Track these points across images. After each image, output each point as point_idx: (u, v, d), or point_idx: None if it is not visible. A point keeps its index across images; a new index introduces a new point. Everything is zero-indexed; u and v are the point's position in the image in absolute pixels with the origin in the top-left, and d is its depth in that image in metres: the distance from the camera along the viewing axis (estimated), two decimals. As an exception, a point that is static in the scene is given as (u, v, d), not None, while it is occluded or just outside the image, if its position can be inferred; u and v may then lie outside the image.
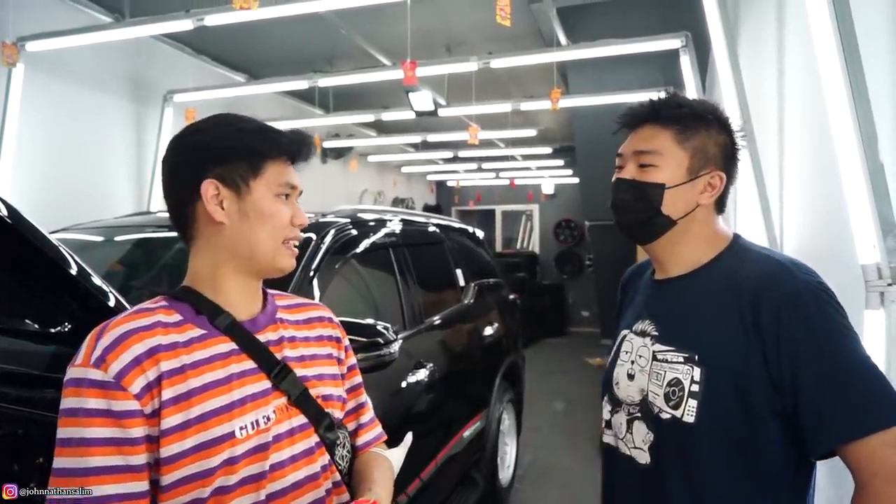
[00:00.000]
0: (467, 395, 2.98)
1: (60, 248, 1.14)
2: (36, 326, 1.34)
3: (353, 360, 1.11)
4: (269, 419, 0.90)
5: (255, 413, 0.89)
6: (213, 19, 3.36)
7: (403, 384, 2.27)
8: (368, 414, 1.12)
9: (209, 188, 0.91)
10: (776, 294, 0.95)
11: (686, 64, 3.70)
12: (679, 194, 1.05)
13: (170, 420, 0.83)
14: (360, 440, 1.09)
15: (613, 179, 1.10)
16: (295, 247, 0.97)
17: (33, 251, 1.10)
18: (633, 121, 1.10)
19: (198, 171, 0.91)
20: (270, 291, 1.04)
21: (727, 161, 1.07)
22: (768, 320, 0.94)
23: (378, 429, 1.13)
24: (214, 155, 0.91)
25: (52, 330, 1.30)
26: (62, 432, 0.81)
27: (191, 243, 0.95)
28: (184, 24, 3.45)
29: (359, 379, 1.11)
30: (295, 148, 0.96)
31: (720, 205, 1.09)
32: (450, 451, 2.63)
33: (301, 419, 0.94)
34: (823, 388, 0.91)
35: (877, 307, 1.36)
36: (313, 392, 0.96)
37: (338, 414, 1.01)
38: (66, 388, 0.82)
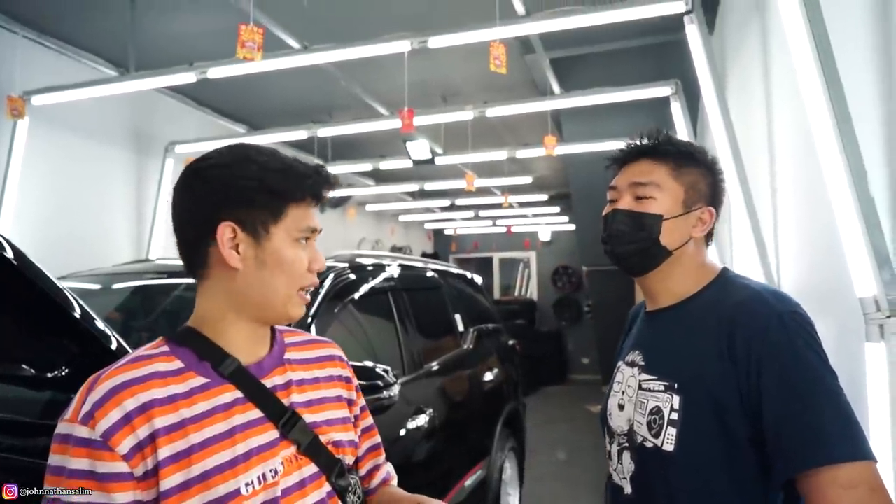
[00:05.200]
0: (468, 443, 2.92)
1: (64, 291, 1.14)
2: (32, 371, 1.32)
3: (363, 400, 1.07)
4: (276, 472, 0.85)
5: (262, 466, 0.84)
6: (216, 72, 3.46)
7: (403, 430, 2.23)
8: (382, 456, 1.09)
9: (226, 231, 0.85)
10: (749, 322, 0.97)
11: (677, 110, 3.80)
12: (675, 226, 1.08)
13: (169, 480, 0.78)
14: (376, 481, 1.06)
15: (608, 211, 1.13)
16: (308, 294, 0.92)
17: (37, 294, 1.10)
18: (630, 155, 1.13)
19: (215, 212, 0.85)
20: (278, 328, 1.00)
21: (715, 199, 1.12)
22: (741, 348, 0.96)
23: (390, 467, 1.10)
24: (234, 196, 0.85)
25: (49, 375, 1.28)
26: (46, 490, 0.77)
27: (200, 283, 0.91)
28: (187, 77, 3.54)
29: (371, 420, 1.08)
30: (319, 188, 0.91)
31: (708, 238, 1.13)
32: (452, 501, 2.56)
33: (312, 468, 0.90)
34: (784, 417, 0.91)
35: (877, 340, 1.36)
36: (323, 438, 0.92)
37: (348, 459, 0.97)
38: (54, 443, 0.79)
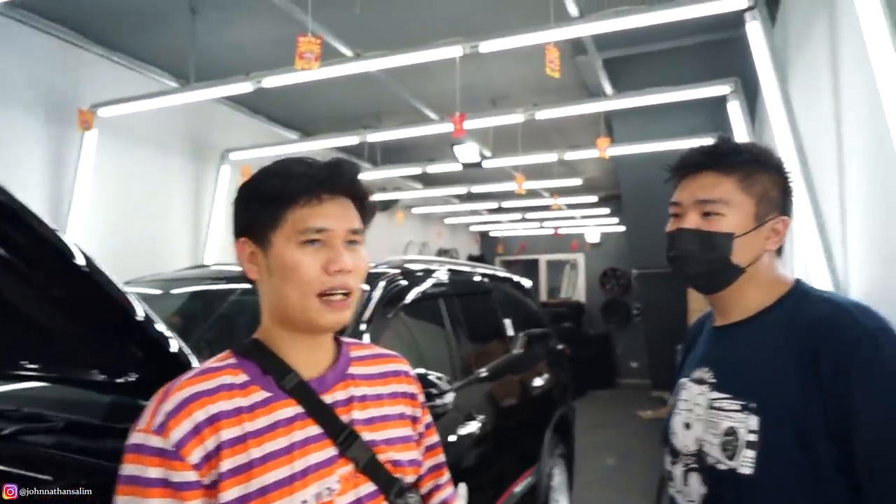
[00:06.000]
0: (518, 449, 2.89)
1: (130, 297, 1.18)
2: (103, 377, 1.37)
3: (429, 417, 1.05)
4: (332, 490, 0.85)
5: (318, 485, 0.84)
6: (271, 81, 3.55)
7: (454, 437, 2.22)
8: (445, 475, 1.07)
9: (244, 248, 0.90)
10: (835, 341, 0.92)
11: (735, 109, 3.67)
12: (747, 242, 1.02)
13: (229, 493, 0.79)
14: (435, 500, 1.05)
15: (673, 229, 1.07)
16: (342, 296, 0.87)
17: (107, 300, 1.14)
18: (690, 169, 1.07)
19: (235, 230, 0.91)
20: (345, 340, 0.99)
21: (786, 205, 1.06)
22: (827, 368, 0.91)
23: (451, 488, 1.08)
24: (244, 210, 0.90)
25: (119, 380, 1.32)
26: (120, 500, 0.79)
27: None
28: (244, 87, 3.65)
29: (436, 438, 1.06)
30: (318, 184, 0.86)
31: (779, 248, 1.07)
32: (502, 509, 2.54)
33: (370, 487, 0.89)
34: (875, 447, 0.86)
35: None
36: (381, 457, 0.91)
37: (409, 478, 0.95)
38: (128, 452, 0.80)
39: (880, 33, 1.46)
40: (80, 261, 1.10)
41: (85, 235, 4.06)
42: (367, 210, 0.94)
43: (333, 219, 0.87)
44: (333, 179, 0.88)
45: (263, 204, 0.87)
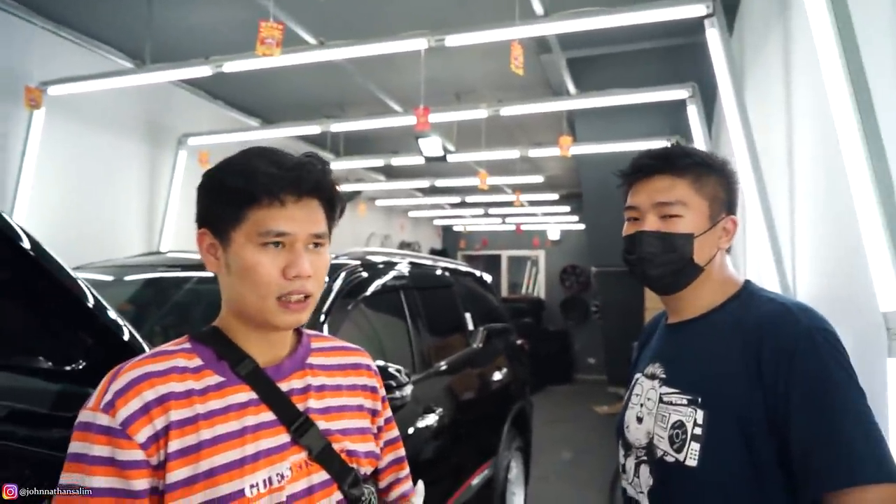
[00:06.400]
0: (476, 442, 2.91)
1: (80, 282, 1.14)
2: (49, 364, 1.32)
3: (388, 412, 1.04)
4: (283, 476, 0.84)
5: (269, 470, 0.83)
6: (232, 66, 3.46)
7: (412, 429, 2.23)
8: (405, 470, 1.07)
9: (204, 239, 0.88)
10: (776, 339, 0.95)
11: (693, 113, 3.77)
12: (705, 242, 1.06)
13: (176, 474, 0.79)
14: (394, 494, 1.04)
15: (632, 232, 1.09)
16: (301, 300, 0.86)
17: (54, 285, 1.10)
18: (644, 172, 1.09)
19: (197, 219, 0.89)
20: (307, 332, 0.99)
21: (732, 205, 1.10)
22: (769, 365, 0.94)
23: (411, 483, 1.08)
24: (207, 201, 0.88)
25: (67, 368, 1.28)
26: (65, 477, 0.78)
27: None
28: (202, 70, 3.55)
29: (396, 432, 1.06)
30: (282, 188, 0.83)
31: (728, 248, 1.11)
32: (458, 500, 2.56)
33: (323, 475, 0.88)
34: (812, 437, 0.90)
35: (901, 355, 1.34)
36: (336, 447, 0.90)
37: (365, 469, 0.94)
38: (76, 430, 0.79)
39: (830, 45, 1.52)
40: (25, 243, 1.05)
41: (31, 218, 3.90)
42: (334, 209, 0.92)
43: (296, 223, 0.85)
44: (300, 182, 0.85)
45: (225, 201, 0.85)
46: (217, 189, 0.86)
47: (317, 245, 0.88)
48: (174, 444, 0.79)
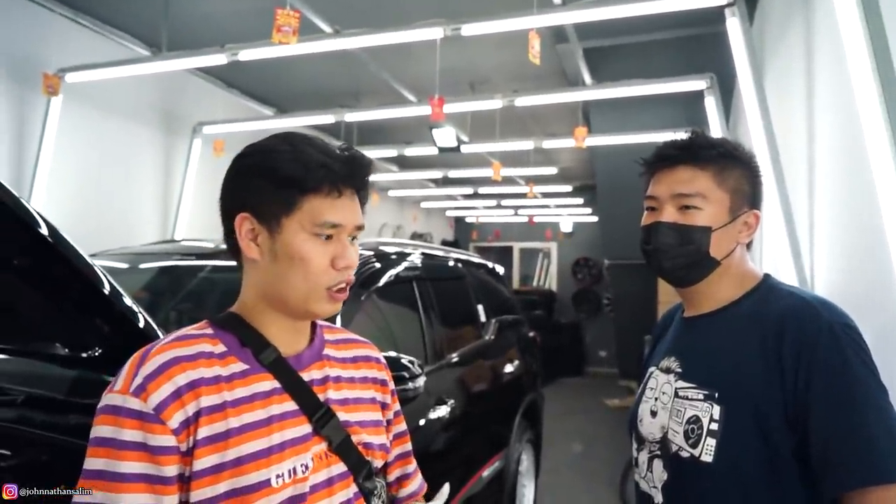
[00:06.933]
0: (487, 434, 2.92)
1: (96, 269, 1.14)
2: (66, 350, 1.33)
3: (398, 405, 1.04)
4: (307, 467, 0.84)
5: (294, 460, 0.83)
6: (247, 54, 3.46)
7: (423, 420, 2.23)
8: (413, 464, 1.06)
9: (244, 224, 0.86)
10: (797, 334, 0.94)
11: (711, 104, 3.71)
12: (723, 235, 1.04)
13: (204, 461, 0.78)
14: (404, 491, 1.04)
15: (650, 223, 1.08)
16: (344, 289, 0.87)
17: (71, 271, 1.10)
18: (666, 162, 1.08)
19: (235, 203, 0.87)
20: (320, 323, 0.98)
21: (756, 199, 1.08)
22: (789, 360, 0.93)
23: (420, 479, 1.08)
24: (252, 185, 0.85)
25: (83, 354, 1.29)
26: (92, 462, 0.76)
27: (242, 271, 0.91)
28: (218, 59, 3.55)
29: (404, 426, 1.05)
30: (341, 179, 0.85)
31: (749, 242, 1.10)
32: (468, 492, 2.56)
33: (341, 467, 0.88)
34: (832, 434, 0.89)
35: (923, 352, 1.31)
36: (354, 439, 0.90)
37: (377, 463, 0.95)
38: (102, 414, 0.77)
39: (856, 34, 1.48)
40: (43, 230, 1.06)
41: (49, 205, 3.94)
42: (365, 201, 0.93)
43: (347, 214, 0.87)
44: (355, 174, 0.87)
45: (279, 185, 0.83)
46: (268, 175, 0.84)
47: (355, 237, 0.90)
48: (203, 431, 0.78)
